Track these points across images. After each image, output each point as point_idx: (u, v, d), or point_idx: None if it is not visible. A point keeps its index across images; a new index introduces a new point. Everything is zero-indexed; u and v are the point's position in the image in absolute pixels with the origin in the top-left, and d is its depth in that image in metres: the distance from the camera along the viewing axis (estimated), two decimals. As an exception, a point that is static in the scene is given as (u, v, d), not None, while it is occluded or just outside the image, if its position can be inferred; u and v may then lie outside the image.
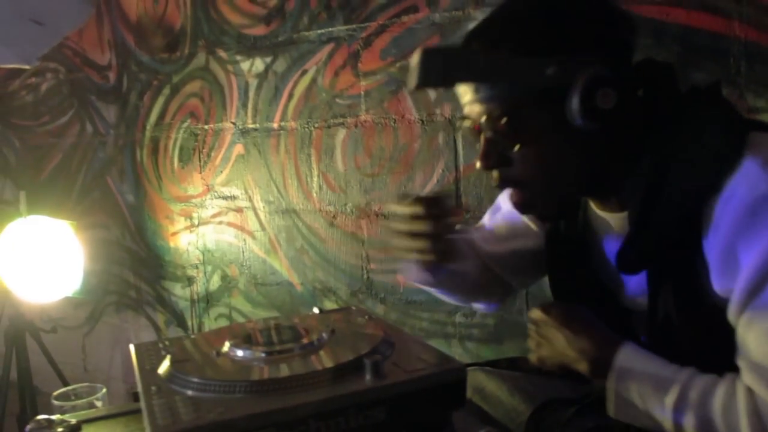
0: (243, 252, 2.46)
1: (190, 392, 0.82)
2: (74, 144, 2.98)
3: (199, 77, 2.47)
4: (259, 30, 2.27)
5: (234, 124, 2.40)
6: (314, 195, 2.23)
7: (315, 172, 2.21)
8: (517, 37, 0.86)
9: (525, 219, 1.16)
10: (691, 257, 0.82)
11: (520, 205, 0.97)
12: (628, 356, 0.88)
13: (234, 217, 2.47)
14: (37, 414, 2.74)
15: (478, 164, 0.94)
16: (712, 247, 0.80)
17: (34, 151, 3.14)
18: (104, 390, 1.19)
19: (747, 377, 0.78)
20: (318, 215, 2.23)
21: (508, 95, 0.87)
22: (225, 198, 2.48)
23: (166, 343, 1.03)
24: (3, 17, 1.40)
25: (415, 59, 0.86)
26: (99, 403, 1.17)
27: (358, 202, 2.12)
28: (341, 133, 2.13)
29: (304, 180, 2.25)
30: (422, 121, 1.95)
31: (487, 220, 1.30)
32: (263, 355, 0.89)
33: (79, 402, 1.16)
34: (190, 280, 2.65)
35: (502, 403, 1.09)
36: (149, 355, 0.99)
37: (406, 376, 0.81)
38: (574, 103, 0.82)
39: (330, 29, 2.10)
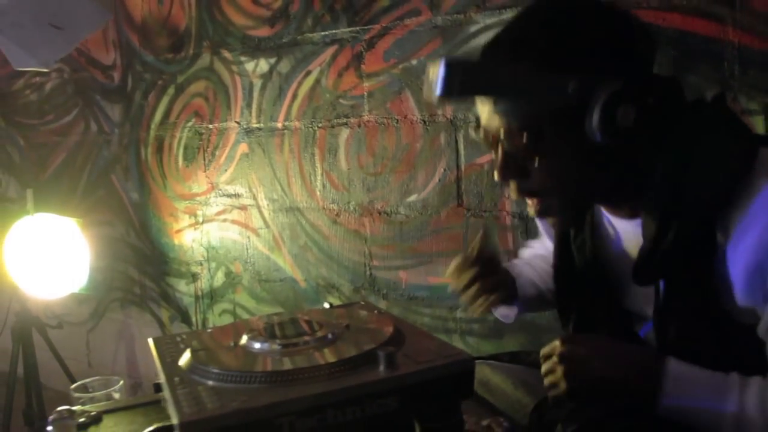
0: (247, 249, 2.50)
1: (211, 382, 0.87)
2: (79, 142, 3.02)
3: (204, 77, 2.51)
4: (264, 31, 2.31)
5: (238, 123, 2.44)
6: (318, 193, 2.27)
7: (318, 171, 2.26)
8: (540, 52, 0.86)
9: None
10: (705, 270, 0.86)
11: (539, 213, 0.99)
12: (678, 364, 0.87)
13: (238, 215, 2.51)
14: (44, 409, 2.78)
15: (496, 176, 0.96)
16: (736, 263, 0.83)
17: (38, 149, 3.18)
18: (121, 382, 1.23)
19: None
20: (321, 213, 2.27)
21: (528, 110, 0.88)
22: (229, 196, 2.52)
23: (184, 336, 1.08)
24: (22, 22, 1.44)
25: (434, 70, 0.86)
26: (117, 395, 1.21)
27: (361, 201, 2.17)
28: (345, 133, 2.17)
29: (308, 178, 2.29)
30: (424, 122, 2.00)
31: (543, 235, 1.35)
32: (280, 347, 0.93)
33: (98, 394, 1.21)
34: (194, 277, 2.69)
35: (507, 395, 1.14)
36: (168, 348, 1.03)
37: (418, 367, 0.85)
38: (595, 120, 0.84)
39: (334, 31, 2.14)
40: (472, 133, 1.00)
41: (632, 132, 0.84)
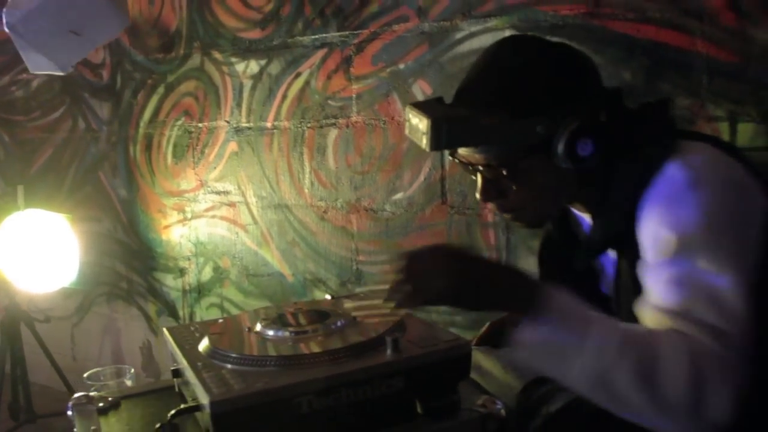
0: (235, 244, 2.57)
1: (230, 366, 0.95)
2: (66, 139, 3.05)
3: (194, 77, 2.57)
4: (254, 34, 2.38)
5: (228, 122, 2.51)
6: (306, 191, 2.35)
7: (307, 169, 2.34)
8: (511, 103, 1.01)
9: None
10: (632, 240, 1.00)
11: (524, 226, 1.18)
12: (554, 289, 0.93)
13: (227, 211, 2.58)
14: (31, 403, 2.81)
15: (477, 196, 1.10)
16: (642, 231, 0.98)
17: (24, 145, 3.20)
18: (132, 370, 1.31)
19: (672, 322, 0.89)
20: (309, 210, 2.35)
21: (505, 151, 1.03)
22: (218, 193, 2.59)
23: (197, 326, 1.16)
24: (44, 28, 1.49)
25: (424, 124, 0.99)
26: (129, 383, 1.28)
27: (348, 198, 2.25)
28: (333, 133, 2.26)
29: (296, 177, 2.37)
30: (411, 123, 2.08)
31: None
32: (293, 334, 1.02)
33: (110, 382, 1.28)
34: (182, 272, 2.75)
35: (497, 378, 1.23)
36: (184, 336, 1.10)
37: (421, 351, 0.94)
38: (560, 153, 1.00)
39: (324, 35, 2.22)
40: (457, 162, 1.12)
41: (591, 157, 1.01)
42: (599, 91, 1.08)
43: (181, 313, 2.77)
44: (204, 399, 0.86)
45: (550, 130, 1.00)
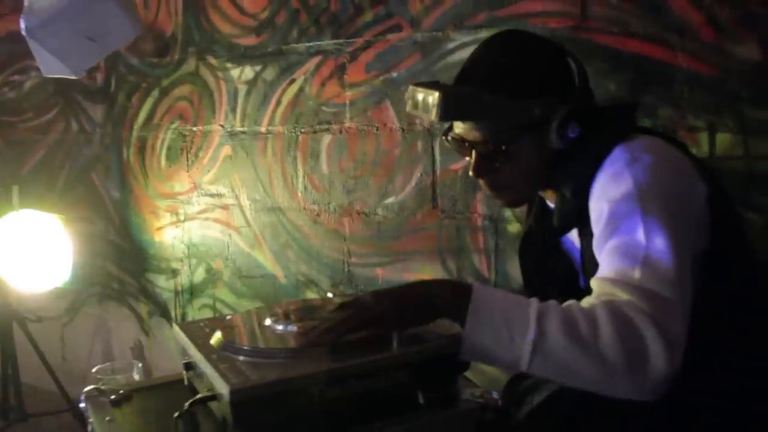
0: (228, 246, 2.62)
1: (242, 358, 1.00)
2: (58, 140, 3.08)
3: (189, 82, 2.62)
4: (250, 40, 2.43)
5: (222, 126, 2.56)
6: (299, 194, 2.41)
7: (300, 174, 2.39)
8: (510, 85, 1.13)
9: None
10: (588, 218, 1.10)
11: (506, 204, 1.32)
12: (484, 287, 1.00)
13: (220, 214, 2.62)
14: (23, 402, 2.83)
15: (470, 173, 1.19)
16: (592, 210, 1.08)
17: (15, 146, 3.22)
18: (140, 365, 1.36)
19: (601, 289, 0.98)
20: (302, 213, 2.41)
21: (503, 127, 1.14)
22: (212, 195, 2.64)
23: (206, 322, 1.21)
24: (61, 34, 1.56)
25: (429, 97, 1.11)
26: (137, 377, 1.33)
27: (341, 202, 2.31)
28: (327, 138, 2.32)
29: (290, 180, 2.42)
30: (403, 130, 2.15)
31: None
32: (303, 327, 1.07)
33: (119, 376, 1.33)
34: (174, 273, 2.79)
35: (485, 373, 1.31)
36: (195, 332, 1.16)
37: (425, 345, 1.01)
38: (554, 134, 1.11)
39: (318, 43, 2.28)
40: (445, 141, 1.22)
41: (576, 139, 1.12)
42: (584, 84, 1.18)
43: (173, 314, 2.81)
44: (223, 388, 0.91)
45: (544, 113, 1.11)
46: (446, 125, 1.25)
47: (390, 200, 2.22)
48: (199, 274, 2.72)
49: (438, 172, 2.11)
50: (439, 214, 2.13)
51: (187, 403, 0.96)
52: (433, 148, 2.11)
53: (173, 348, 2.54)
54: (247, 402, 0.90)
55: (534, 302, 0.96)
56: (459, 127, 1.19)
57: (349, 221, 2.31)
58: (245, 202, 2.55)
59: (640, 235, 0.98)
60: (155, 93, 2.72)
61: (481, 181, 1.23)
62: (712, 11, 1.63)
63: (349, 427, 0.97)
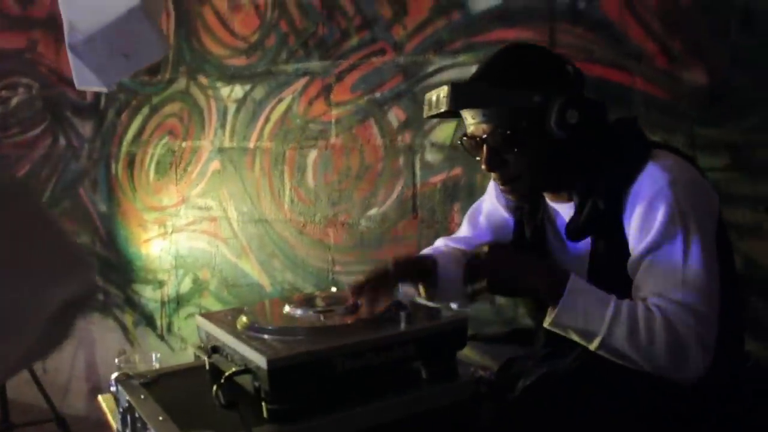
0: (215, 257, 2.74)
1: (268, 337, 1.14)
2: (44, 156, 3.16)
3: (180, 100, 2.75)
4: (240, 61, 2.58)
5: (211, 142, 2.69)
6: (286, 206, 2.55)
7: (287, 187, 2.54)
8: (514, 79, 1.26)
9: (504, 215, 1.54)
10: (616, 227, 1.24)
11: (518, 198, 1.39)
12: (578, 280, 1.20)
13: (208, 226, 2.74)
14: (8, 412, 2.87)
15: (483, 166, 1.30)
16: (629, 221, 1.22)
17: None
18: (159, 355, 1.47)
19: (655, 302, 1.15)
20: (289, 224, 2.55)
21: (508, 116, 1.24)
22: (200, 208, 2.76)
23: (227, 311, 1.35)
24: (101, 51, 1.70)
25: (444, 90, 1.25)
26: (156, 365, 1.45)
27: (326, 213, 2.46)
28: (313, 154, 2.47)
29: (277, 193, 2.56)
30: (385, 146, 2.32)
31: (465, 229, 1.64)
32: (318, 313, 1.22)
33: (140, 364, 1.44)
34: (161, 283, 2.89)
35: (476, 362, 1.46)
36: (219, 320, 1.29)
37: (429, 323, 1.17)
38: (553, 120, 1.22)
39: (306, 64, 2.44)
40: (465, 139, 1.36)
41: (575, 130, 1.22)
42: (581, 85, 1.31)
43: (158, 323, 2.90)
44: (260, 361, 1.05)
45: (544, 103, 1.22)
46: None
47: (373, 211, 2.37)
48: (186, 284, 2.82)
49: (418, 185, 2.28)
50: (419, 223, 2.29)
51: (225, 374, 1.09)
52: (413, 163, 2.28)
53: (164, 356, 2.62)
54: (282, 370, 1.04)
55: (612, 304, 1.15)
56: (469, 125, 1.30)
57: (333, 232, 2.46)
58: (233, 214, 2.67)
59: (681, 254, 1.15)
60: (145, 110, 2.83)
61: (494, 176, 1.33)
62: (666, 41, 1.85)
63: (366, 396, 1.11)
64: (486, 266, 1.21)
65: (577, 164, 1.29)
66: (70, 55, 1.76)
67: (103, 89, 1.86)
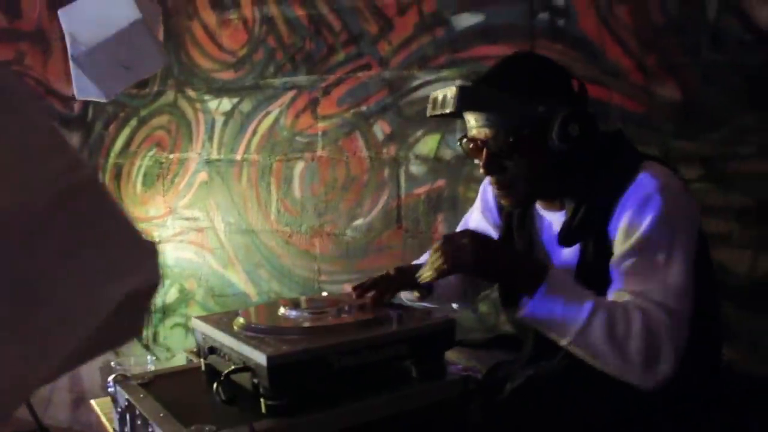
0: (202, 267, 2.77)
1: (265, 336, 1.19)
2: (30, 167, 3.17)
3: (167, 112, 2.79)
4: (228, 75, 2.63)
5: (199, 154, 2.73)
6: (272, 217, 2.59)
7: (274, 198, 2.58)
8: (521, 87, 1.28)
9: (490, 228, 1.60)
10: (606, 234, 1.29)
11: (512, 204, 1.41)
12: (559, 271, 1.26)
13: (195, 236, 2.78)
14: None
15: (481, 170, 1.34)
16: (615, 227, 1.27)
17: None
18: (154, 358, 1.51)
19: (635, 300, 1.20)
20: (275, 234, 2.59)
21: (511, 122, 1.27)
22: (187, 219, 2.79)
23: (222, 314, 1.38)
24: (102, 63, 1.73)
25: (452, 91, 1.27)
26: (151, 367, 1.49)
27: (312, 224, 2.51)
28: (300, 165, 2.52)
29: (264, 204, 2.61)
30: (371, 158, 2.38)
31: None
32: (312, 314, 1.27)
33: (136, 368, 1.48)
34: (146, 294, 2.90)
35: (464, 365, 1.52)
36: (215, 322, 1.33)
37: (420, 323, 1.22)
38: (555, 131, 1.25)
39: (294, 78, 2.50)
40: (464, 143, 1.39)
41: (577, 141, 1.26)
42: (585, 100, 1.36)
43: (144, 333, 2.91)
44: (260, 358, 1.09)
45: (547, 113, 1.25)
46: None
47: (358, 222, 2.43)
48: (172, 294, 2.85)
49: (403, 196, 2.34)
50: (403, 233, 2.35)
51: (226, 371, 1.13)
52: (398, 175, 2.34)
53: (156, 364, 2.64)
54: (281, 367, 1.08)
55: (591, 296, 1.20)
56: (471, 128, 1.32)
57: (319, 242, 2.51)
58: (219, 225, 2.71)
59: (665, 256, 1.20)
60: (133, 122, 2.87)
61: (491, 179, 1.35)
62: (641, 59, 1.94)
63: (360, 392, 1.16)
64: (466, 248, 1.24)
65: (573, 173, 1.33)
66: (71, 66, 1.80)
67: (103, 100, 1.90)
